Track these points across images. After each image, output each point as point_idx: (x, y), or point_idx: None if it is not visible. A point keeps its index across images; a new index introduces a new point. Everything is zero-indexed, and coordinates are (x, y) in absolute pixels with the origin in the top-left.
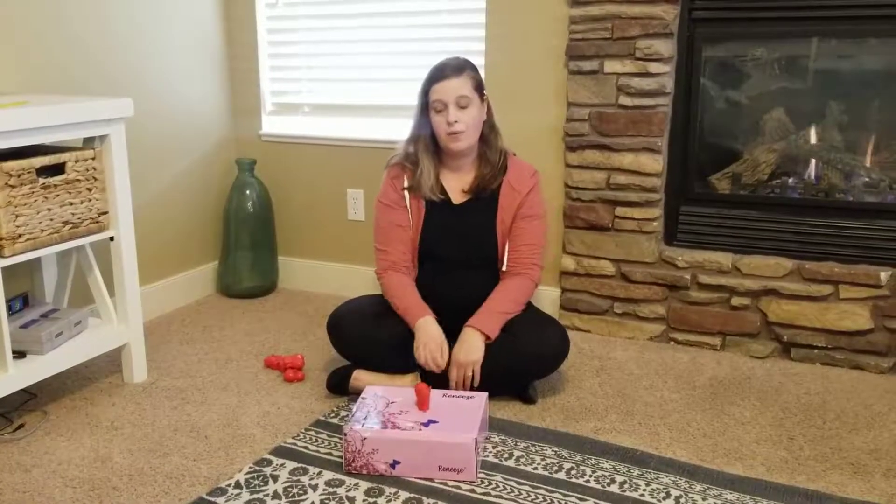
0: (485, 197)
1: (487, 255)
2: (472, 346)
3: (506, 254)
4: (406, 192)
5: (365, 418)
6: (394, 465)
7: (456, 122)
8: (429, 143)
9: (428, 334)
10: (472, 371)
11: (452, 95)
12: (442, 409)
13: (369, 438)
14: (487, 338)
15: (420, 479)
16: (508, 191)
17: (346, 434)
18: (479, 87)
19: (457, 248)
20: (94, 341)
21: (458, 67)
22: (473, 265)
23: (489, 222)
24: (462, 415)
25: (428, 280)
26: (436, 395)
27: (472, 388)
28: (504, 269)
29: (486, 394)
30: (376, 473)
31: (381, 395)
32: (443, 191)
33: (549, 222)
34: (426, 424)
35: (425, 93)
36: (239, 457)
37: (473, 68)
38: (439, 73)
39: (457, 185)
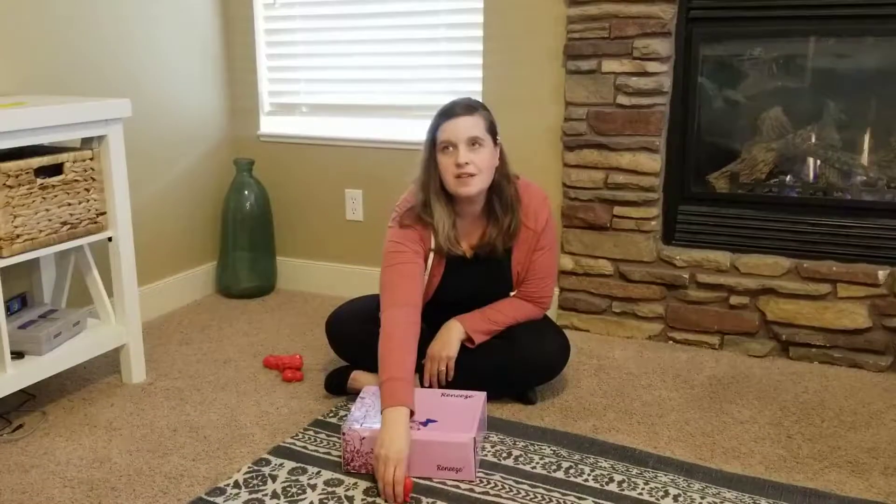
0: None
1: (502, 297)
2: (447, 341)
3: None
4: (431, 252)
5: (364, 418)
6: None
7: (467, 163)
8: (439, 190)
9: (391, 439)
10: (447, 366)
11: (464, 135)
12: (440, 409)
13: (368, 438)
14: (470, 340)
15: (419, 478)
16: (524, 231)
17: (344, 433)
18: (492, 130)
19: (472, 295)
20: (92, 342)
21: (469, 106)
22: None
23: (505, 270)
24: (461, 414)
25: (440, 315)
26: (434, 394)
27: (446, 384)
28: (514, 293)
29: (484, 393)
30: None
31: (379, 394)
32: (458, 244)
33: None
34: (424, 424)
35: (433, 132)
36: (238, 456)
37: (486, 109)
38: (449, 112)
39: (464, 241)
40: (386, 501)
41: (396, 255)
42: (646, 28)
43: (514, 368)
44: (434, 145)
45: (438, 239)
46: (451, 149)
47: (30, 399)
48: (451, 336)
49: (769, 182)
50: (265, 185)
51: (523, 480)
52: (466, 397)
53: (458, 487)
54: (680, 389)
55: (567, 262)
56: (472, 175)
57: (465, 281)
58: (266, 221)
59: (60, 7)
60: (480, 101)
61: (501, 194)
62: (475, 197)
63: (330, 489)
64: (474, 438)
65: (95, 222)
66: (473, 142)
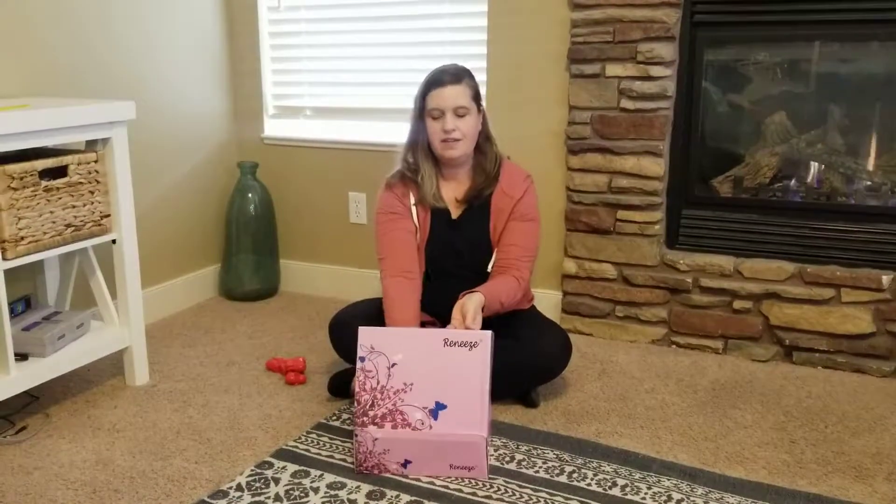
0: (478, 206)
1: (484, 266)
2: (473, 309)
3: (494, 254)
4: (413, 207)
5: (370, 406)
6: (405, 464)
7: (453, 129)
8: (427, 151)
9: None
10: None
11: (450, 104)
12: (446, 377)
13: (381, 439)
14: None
15: (424, 482)
16: (501, 197)
17: (356, 435)
18: (476, 97)
19: (455, 260)
20: (96, 344)
21: (456, 75)
22: (470, 275)
23: (484, 233)
24: (469, 395)
25: (427, 288)
26: (437, 341)
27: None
28: (490, 269)
29: (489, 334)
30: (388, 473)
31: (379, 350)
32: (442, 199)
33: (554, 226)
34: (434, 413)
35: (422, 99)
36: (240, 459)
37: (471, 77)
38: (437, 80)
39: (452, 196)
40: None
41: (389, 224)
42: (650, 32)
43: (518, 368)
44: (423, 110)
45: (423, 192)
46: (438, 116)
47: (33, 401)
48: (474, 304)
49: (773, 186)
50: (269, 188)
51: (526, 485)
52: (471, 347)
53: (460, 491)
54: (683, 394)
55: (570, 266)
56: (457, 140)
57: (450, 241)
58: (269, 224)
59: (64, 10)
60: (466, 67)
61: (485, 154)
62: (460, 159)
63: (333, 492)
64: (486, 439)
65: (99, 224)
66: (459, 111)
